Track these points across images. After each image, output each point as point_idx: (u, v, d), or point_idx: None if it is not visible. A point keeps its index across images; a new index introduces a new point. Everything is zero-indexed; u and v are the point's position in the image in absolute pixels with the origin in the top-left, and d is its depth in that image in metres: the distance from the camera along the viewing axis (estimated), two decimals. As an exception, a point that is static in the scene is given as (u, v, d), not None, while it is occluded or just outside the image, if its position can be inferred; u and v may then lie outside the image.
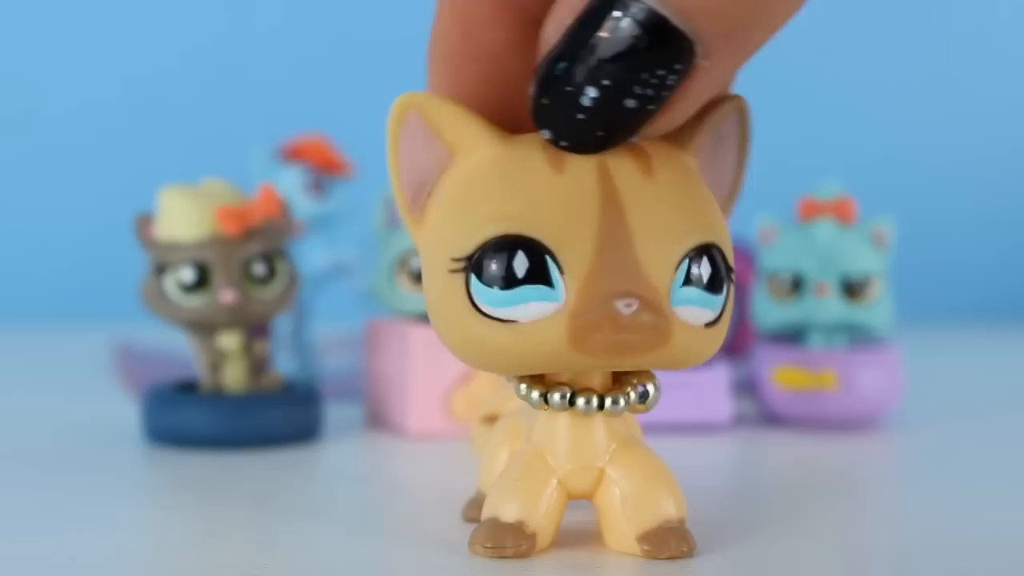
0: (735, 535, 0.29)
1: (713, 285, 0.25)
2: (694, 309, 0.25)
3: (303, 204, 0.52)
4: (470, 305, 0.25)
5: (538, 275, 0.24)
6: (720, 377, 0.45)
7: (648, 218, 0.25)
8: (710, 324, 0.25)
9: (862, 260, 0.46)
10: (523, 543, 0.26)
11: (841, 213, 0.46)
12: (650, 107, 0.24)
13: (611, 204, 0.25)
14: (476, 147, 0.26)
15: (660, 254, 0.25)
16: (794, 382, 0.46)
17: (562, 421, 0.27)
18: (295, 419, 0.42)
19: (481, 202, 0.25)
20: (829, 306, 0.46)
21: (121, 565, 0.27)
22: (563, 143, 0.25)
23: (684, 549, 0.26)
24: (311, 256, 0.53)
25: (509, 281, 0.24)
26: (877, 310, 0.46)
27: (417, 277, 0.45)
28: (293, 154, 0.53)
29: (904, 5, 1.03)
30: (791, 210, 0.47)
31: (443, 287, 0.25)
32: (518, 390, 0.27)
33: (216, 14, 0.99)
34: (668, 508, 0.27)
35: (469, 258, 0.25)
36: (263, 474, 0.37)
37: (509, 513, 0.27)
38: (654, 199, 0.25)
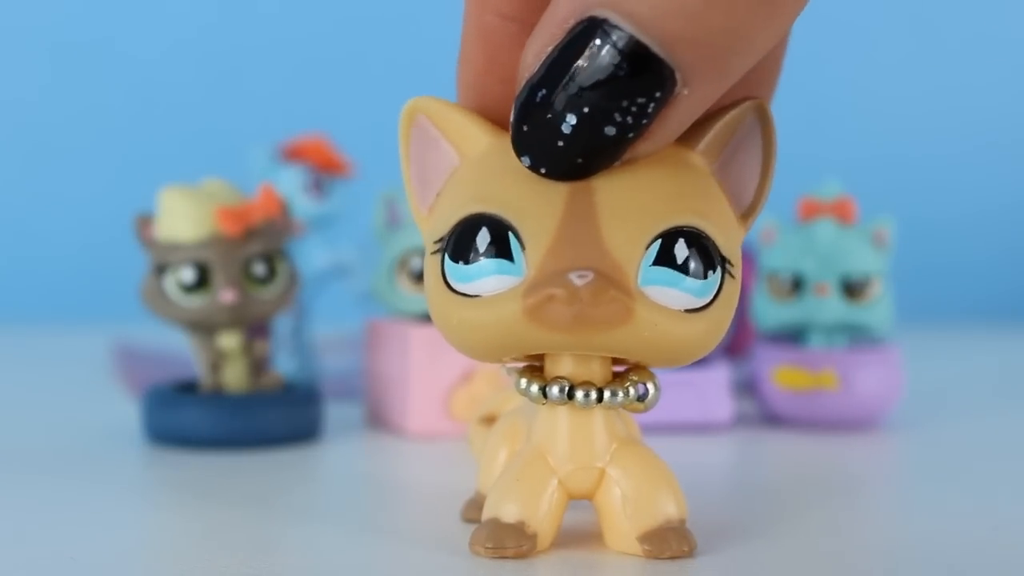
0: (735, 535, 0.29)
1: (691, 268, 0.25)
2: (668, 290, 0.25)
3: (303, 204, 0.52)
4: (443, 283, 0.26)
5: (499, 250, 0.25)
6: (720, 377, 0.45)
7: (619, 198, 0.25)
8: (693, 311, 0.25)
9: (862, 260, 0.46)
10: (524, 543, 0.26)
11: (841, 213, 0.46)
12: (630, 135, 0.24)
13: (582, 185, 0.25)
14: (479, 146, 0.26)
15: (628, 231, 0.24)
16: (794, 382, 0.46)
17: (562, 420, 0.27)
18: (295, 419, 0.42)
19: (463, 189, 0.26)
20: (829, 306, 0.46)
21: (121, 565, 0.27)
22: (542, 170, 0.25)
23: (685, 549, 0.27)
24: (311, 256, 0.53)
25: (471, 256, 0.25)
26: (877, 310, 0.46)
27: (417, 277, 0.45)
28: (293, 154, 0.53)
29: (904, 5, 1.03)
30: (791, 210, 0.47)
31: (428, 270, 0.26)
32: (517, 384, 0.27)
33: (216, 14, 0.99)
34: (669, 508, 0.27)
35: (445, 239, 0.26)
36: (263, 474, 0.37)
37: (510, 513, 0.27)
38: (629, 182, 0.25)
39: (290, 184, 0.52)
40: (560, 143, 0.24)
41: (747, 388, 0.49)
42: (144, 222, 0.41)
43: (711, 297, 0.25)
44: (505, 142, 0.26)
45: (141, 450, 0.41)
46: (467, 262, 0.25)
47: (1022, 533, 0.31)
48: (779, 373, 0.46)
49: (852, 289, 0.46)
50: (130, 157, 0.96)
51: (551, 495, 0.27)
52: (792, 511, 0.32)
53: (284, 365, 0.51)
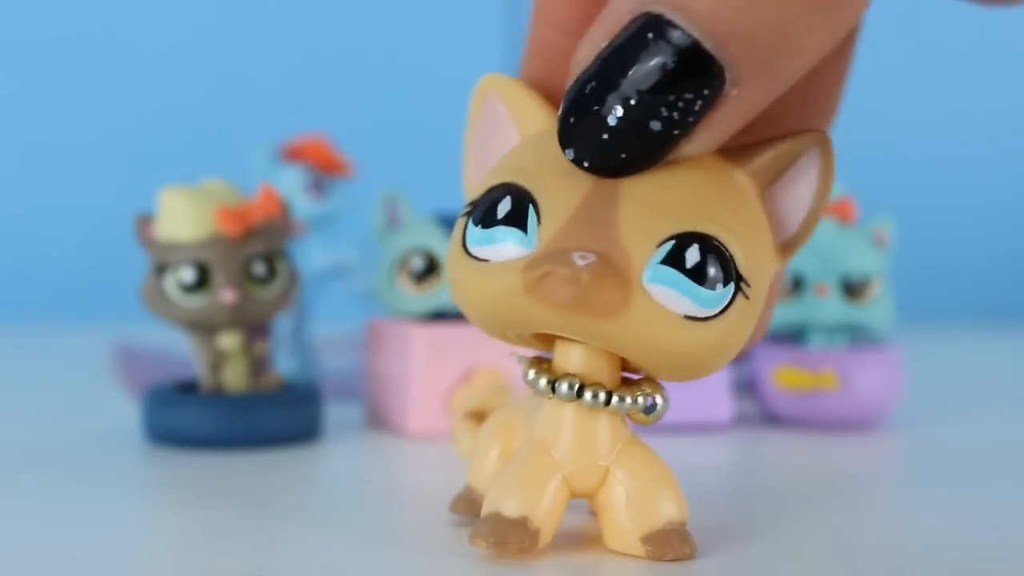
0: (735, 535, 0.29)
1: (699, 276, 0.24)
2: (670, 292, 0.24)
3: (303, 204, 0.52)
4: (461, 244, 0.26)
5: (516, 219, 0.25)
6: (720, 377, 0.45)
7: (644, 192, 0.25)
8: (695, 319, 0.25)
9: (862, 260, 0.46)
10: (526, 539, 0.26)
11: (841, 213, 0.46)
12: (675, 132, 0.24)
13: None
14: (536, 127, 0.27)
15: (644, 225, 0.24)
16: (794, 382, 0.46)
17: (568, 417, 0.27)
18: (295, 419, 0.42)
19: (505, 161, 0.27)
20: (829, 306, 0.46)
21: (121, 565, 0.27)
22: (586, 164, 0.25)
23: (687, 551, 0.26)
24: (311, 256, 0.53)
25: (489, 221, 0.25)
26: (877, 310, 0.46)
27: (417, 277, 0.45)
28: (293, 154, 0.53)
29: (905, 6, 1.03)
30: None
31: (454, 233, 0.26)
32: (525, 375, 0.27)
33: (216, 14, 0.99)
34: (671, 509, 0.27)
35: (474, 203, 0.26)
36: (263, 474, 0.37)
37: (512, 508, 0.26)
38: (660, 179, 0.25)
39: (290, 184, 0.52)
40: (605, 136, 0.24)
41: (747, 388, 0.49)
42: (144, 222, 0.41)
43: (717, 310, 0.25)
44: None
45: (141, 450, 0.41)
46: (484, 227, 0.25)
47: (1022, 533, 0.31)
48: (779, 373, 0.46)
49: (852, 289, 0.46)
50: (130, 157, 0.95)
51: (554, 492, 0.26)
52: (792, 512, 0.32)
53: (284, 365, 0.51)
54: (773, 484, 0.38)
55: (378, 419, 0.46)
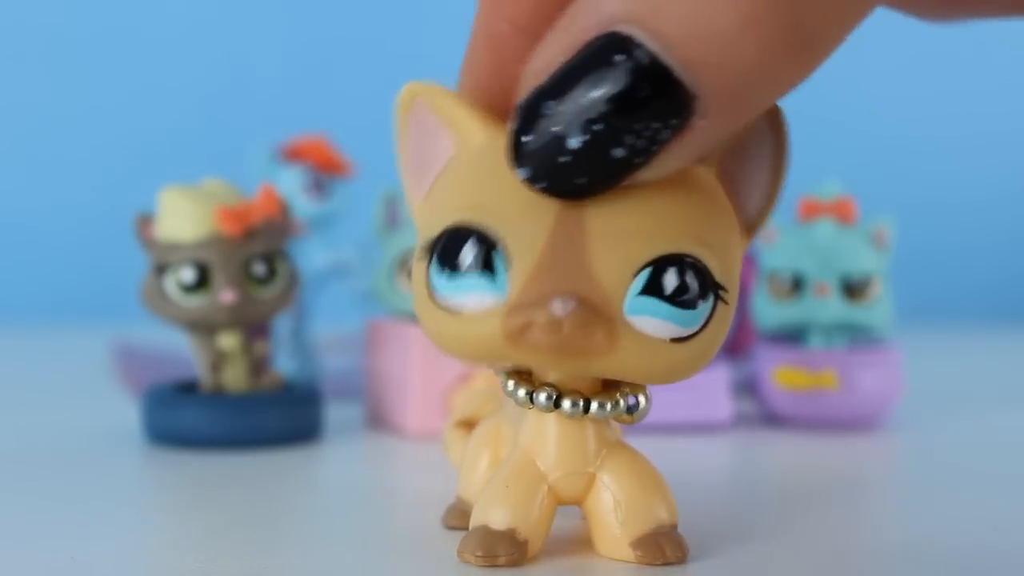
0: (735, 536, 0.29)
1: (680, 299, 0.24)
2: (654, 321, 0.24)
3: (303, 204, 0.52)
4: (427, 291, 0.25)
5: (483, 266, 0.24)
6: (720, 377, 0.45)
7: (611, 221, 0.24)
8: (679, 340, 0.24)
9: (862, 260, 0.46)
10: (515, 551, 0.26)
11: (841, 213, 0.46)
12: (638, 160, 0.23)
13: (573, 203, 0.24)
14: (475, 140, 0.26)
15: (616, 258, 0.24)
16: (794, 382, 0.46)
17: (551, 425, 0.26)
18: (295, 419, 0.42)
19: (453, 191, 0.25)
20: (829, 306, 0.46)
21: (121, 565, 0.27)
22: (540, 185, 0.23)
23: (679, 554, 0.26)
24: (311, 256, 0.53)
25: (454, 269, 0.24)
26: (877, 310, 0.46)
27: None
28: (293, 154, 0.53)
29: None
30: (791, 210, 0.47)
31: (415, 274, 0.25)
32: (505, 386, 0.26)
33: (217, 14, 0.99)
34: (661, 513, 0.26)
35: (431, 245, 0.25)
36: (263, 474, 0.37)
37: (499, 520, 0.26)
38: (624, 203, 0.24)
39: (290, 184, 0.52)
40: (562, 160, 0.23)
41: (747, 388, 0.49)
42: (144, 222, 0.41)
43: (699, 326, 0.24)
44: (500, 141, 0.25)
45: (141, 450, 0.41)
46: (451, 274, 0.24)
47: (1022, 533, 0.31)
48: (779, 373, 0.46)
49: (852, 289, 0.46)
50: (130, 157, 0.96)
51: (541, 501, 0.26)
52: (792, 512, 0.32)
53: (284, 365, 0.51)
54: (773, 484, 0.38)
55: (378, 419, 0.46)
